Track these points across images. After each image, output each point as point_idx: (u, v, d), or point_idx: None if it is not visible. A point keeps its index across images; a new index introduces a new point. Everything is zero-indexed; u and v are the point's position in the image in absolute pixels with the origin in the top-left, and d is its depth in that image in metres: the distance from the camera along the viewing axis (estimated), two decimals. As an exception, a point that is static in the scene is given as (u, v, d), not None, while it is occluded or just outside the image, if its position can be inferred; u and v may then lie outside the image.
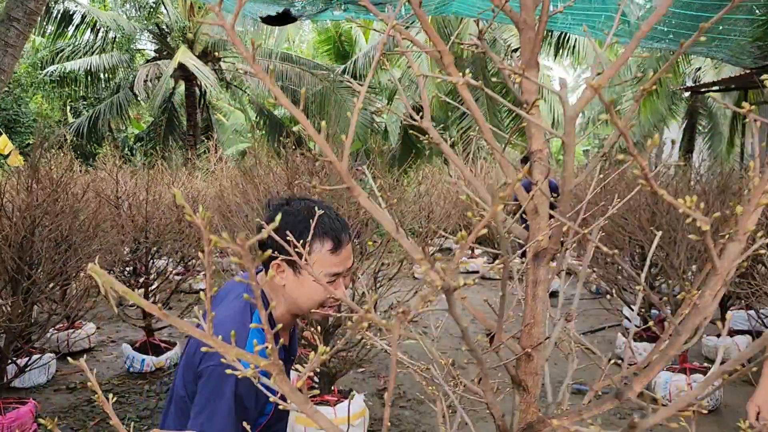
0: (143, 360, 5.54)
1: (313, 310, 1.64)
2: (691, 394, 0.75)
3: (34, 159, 4.83)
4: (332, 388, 4.26)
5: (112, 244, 5.44)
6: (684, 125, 16.02)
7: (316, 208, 1.56)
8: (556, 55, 14.25)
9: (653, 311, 6.35)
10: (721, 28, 7.60)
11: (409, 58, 1.15)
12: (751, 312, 6.23)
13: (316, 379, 4.27)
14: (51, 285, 4.87)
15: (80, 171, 7.45)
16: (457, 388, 1.26)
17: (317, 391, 4.24)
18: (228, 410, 1.50)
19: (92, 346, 6.48)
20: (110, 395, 0.82)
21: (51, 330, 5.86)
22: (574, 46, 13.30)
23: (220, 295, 1.81)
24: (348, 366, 4.32)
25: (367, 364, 5.84)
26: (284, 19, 7.59)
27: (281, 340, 1.79)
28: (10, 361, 4.38)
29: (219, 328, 1.50)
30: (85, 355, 6.27)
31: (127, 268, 6.35)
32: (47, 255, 4.78)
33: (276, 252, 1.49)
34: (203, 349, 0.64)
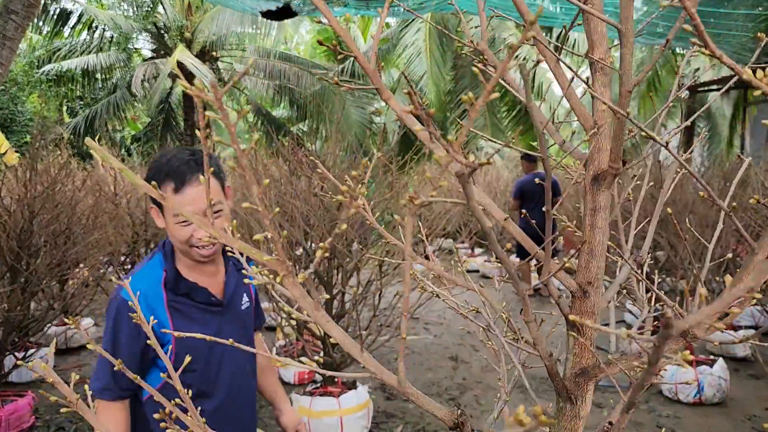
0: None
1: (195, 250, 1.70)
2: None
3: (33, 152, 4.77)
4: (335, 379, 4.20)
5: (110, 235, 5.37)
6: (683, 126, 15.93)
7: (178, 155, 1.68)
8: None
9: (657, 306, 6.30)
10: (719, 22, 7.58)
11: None
12: (755, 308, 6.20)
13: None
14: (50, 276, 4.81)
15: (77, 168, 7.40)
16: (514, 341, 1.19)
17: (331, 369, 4.18)
18: (111, 335, 1.69)
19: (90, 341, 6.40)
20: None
21: (48, 325, 5.78)
22: (573, 45, 13.27)
23: None
24: (352, 358, 4.26)
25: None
26: (285, 13, 7.55)
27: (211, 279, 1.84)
28: (8, 352, 4.30)
29: (136, 267, 1.81)
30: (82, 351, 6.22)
31: (126, 266, 6.29)
32: (46, 246, 4.72)
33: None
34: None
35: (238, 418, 1.87)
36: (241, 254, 1.06)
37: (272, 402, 2.18)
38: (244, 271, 1.89)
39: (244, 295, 1.93)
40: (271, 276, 0.66)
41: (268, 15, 7.76)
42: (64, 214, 4.88)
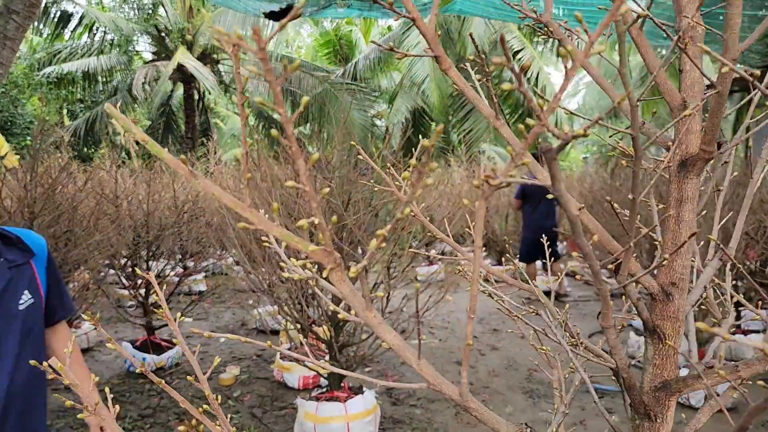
0: (144, 359, 5.37)
1: None
2: None
3: (34, 153, 4.70)
4: (342, 384, 4.11)
5: (111, 237, 5.29)
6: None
7: None
8: (557, 57, 14.16)
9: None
10: (723, 23, 7.51)
11: None
12: (763, 312, 6.11)
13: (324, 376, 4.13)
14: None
15: (78, 171, 7.33)
16: (577, 348, 1.09)
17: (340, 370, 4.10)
18: None
19: (91, 345, 6.32)
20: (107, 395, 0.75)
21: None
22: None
23: None
24: (358, 362, 4.18)
25: (374, 363, 5.70)
26: (287, 14, 7.46)
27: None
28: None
29: None
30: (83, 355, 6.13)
31: (127, 269, 6.21)
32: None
33: None
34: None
35: (20, 426, 1.76)
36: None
37: None
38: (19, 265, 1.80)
39: (25, 292, 1.80)
40: (315, 270, 0.58)
41: (271, 16, 7.69)
42: (64, 215, 4.81)
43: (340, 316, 0.57)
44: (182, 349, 0.98)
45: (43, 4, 13.39)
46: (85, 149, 15.47)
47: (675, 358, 0.87)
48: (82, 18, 14.45)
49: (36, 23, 13.76)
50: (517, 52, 13.98)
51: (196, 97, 16.16)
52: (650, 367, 0.88)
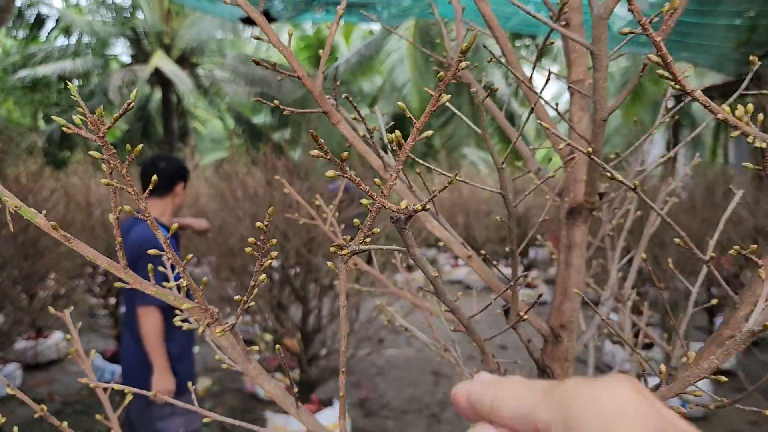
0: (113, 371, 5.27)
1: None
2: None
3: (1, 159, 4.61)
4: (312, 396, 4.06)
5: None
6: (668, 135, 16.02)
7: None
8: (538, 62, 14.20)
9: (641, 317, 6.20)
10: (701, 32, 7.58)
11: None
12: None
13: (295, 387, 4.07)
14: (18, 289, 4.65)
15: (51, 177, 7.20)
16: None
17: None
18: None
19: (61, 357, 6.19)
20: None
21: (17, 339, 5.59)
22: (556, 56, 13.27)
23: (125, 227, 2.92)
24: (328, 374, 4.13)
25: (349, 375, 5.65)
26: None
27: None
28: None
29: (147, 233, 2.76)
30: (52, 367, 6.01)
31: (96, 277, 6.11)
32: (12, 259, 4.56)
33: None
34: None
35: None
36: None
37: None
38: None
39: None
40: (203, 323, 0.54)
41: (248, 21, 7.63)
42: (33, 224, 4.72)
43: (224, 366, 0.54)
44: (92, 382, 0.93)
45: (17, 7, 13.20)
46: (61, 154, 15.24)
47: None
48: (58, 21, 14.26)
49: (10, 26, 13.54)
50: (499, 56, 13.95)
51: (175, 101, 16.00)
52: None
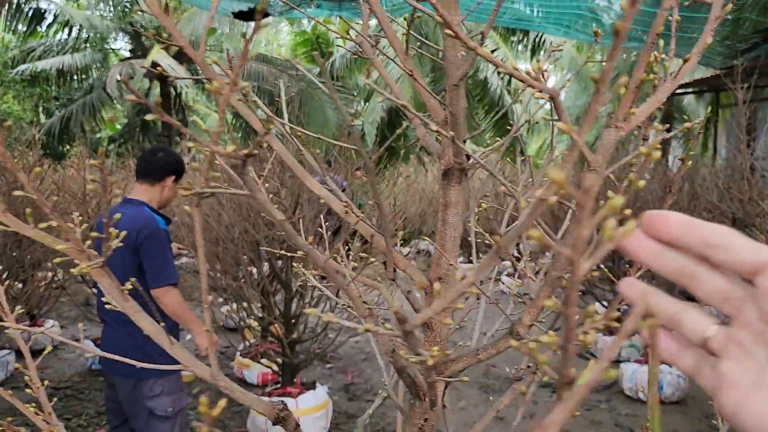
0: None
1: None
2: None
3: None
4: (294, 380, 4.18)
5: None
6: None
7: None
8: (532, 57, 14.31)
9: (624, 306, 6.33)
10: (689, 26, 7.65)
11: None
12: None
13: (277, 369, 4.19)
14: (10, 278, 4.78)
15: (50, 169, 7.31)
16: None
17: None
18: (171, 253, 2.88)
19: (55, 344, 6.32)
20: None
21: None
22: (539, 45, 13.33)
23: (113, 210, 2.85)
24: (312, 358, 4.24)
25: (335, 360, 5.77)
26: (255, 14, 7.48)
27: None
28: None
29: (138, 214, 2.82)
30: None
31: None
32: (4, 247, 4.69)
33: None
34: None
35: None
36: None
37: None
38: None
39: None
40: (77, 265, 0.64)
41: (240, 16, 7.72)
42: (26, 214, 4.84)
43: (108, 306, 0.63)
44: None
45: (15, 2, 13.30)
46: (60, 147, 15.38)
47: (442, 345, 0.95)
48: (56, 15, 14.36)
49: (9, 20, 13.64)
50: (492, 51, 14.08)
51: (173, 95, 16.12)
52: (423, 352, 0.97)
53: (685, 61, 0.57)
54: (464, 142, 0.94)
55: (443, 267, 0.94)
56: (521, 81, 0.48)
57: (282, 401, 0.85)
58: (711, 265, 0.40)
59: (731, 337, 0.40)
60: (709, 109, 13.96)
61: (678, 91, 12.76)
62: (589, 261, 0.25)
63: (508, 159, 10.03)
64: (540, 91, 0.44)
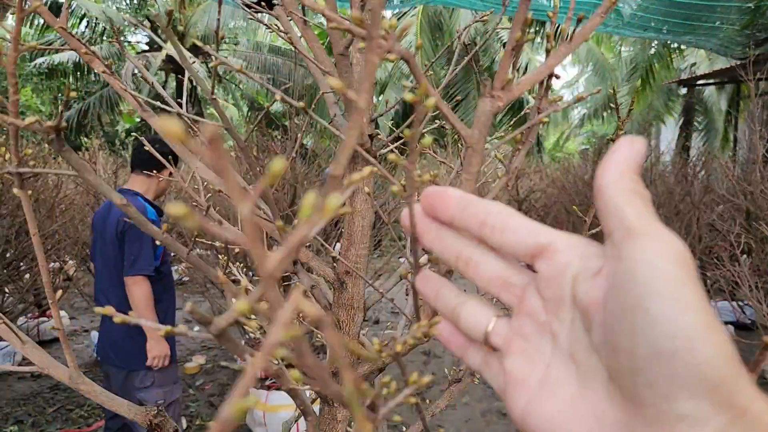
0: (111, 347, 5.40)
1: None
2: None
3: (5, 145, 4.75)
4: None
5: (77, 227, 5.35)
6: (681, 122, 15.82)
7: None
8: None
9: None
10: (708, 15, 7.47)
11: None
12: (735, 303, 6.11)
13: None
14: (20, 267, 4.82)
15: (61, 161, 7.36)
16: None
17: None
18: (150, 239, 2.71)
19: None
20: None
21: (21, 319, 5.78)
22: (558, 35, 13.14)
23: (107, 204, 2.97)
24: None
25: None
26: (266, 5, 7.43)
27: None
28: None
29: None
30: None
31: (88, 261, 6.26)
32: (13, 237, 4.72)
33: None
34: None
35: None
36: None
37: None
38: None
39: None
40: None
41: (249, 7, 7.68)
42: (37, 203, 4.91)
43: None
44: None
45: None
46: (77, 140, 15.50)
47: (354, 344, 0.89)
48: (73, 9, 14.45)
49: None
50: (504, 43, 13.86)
51: (189, 87, 16.17)
52: (329, 351, 0.90)
53: (579, 20, 0.51)
54: (373, 122, 0.88)
55: (351, 260, 0.86)
56: (361, 38, 0.40)
57: (158, 408, 0.80)
58: (490, 248, 0.34)
59: (515, 330, 0.34)
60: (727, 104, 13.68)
61: (699, 82, 12.51)
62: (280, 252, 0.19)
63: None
64: (388, 52, 0.37)
